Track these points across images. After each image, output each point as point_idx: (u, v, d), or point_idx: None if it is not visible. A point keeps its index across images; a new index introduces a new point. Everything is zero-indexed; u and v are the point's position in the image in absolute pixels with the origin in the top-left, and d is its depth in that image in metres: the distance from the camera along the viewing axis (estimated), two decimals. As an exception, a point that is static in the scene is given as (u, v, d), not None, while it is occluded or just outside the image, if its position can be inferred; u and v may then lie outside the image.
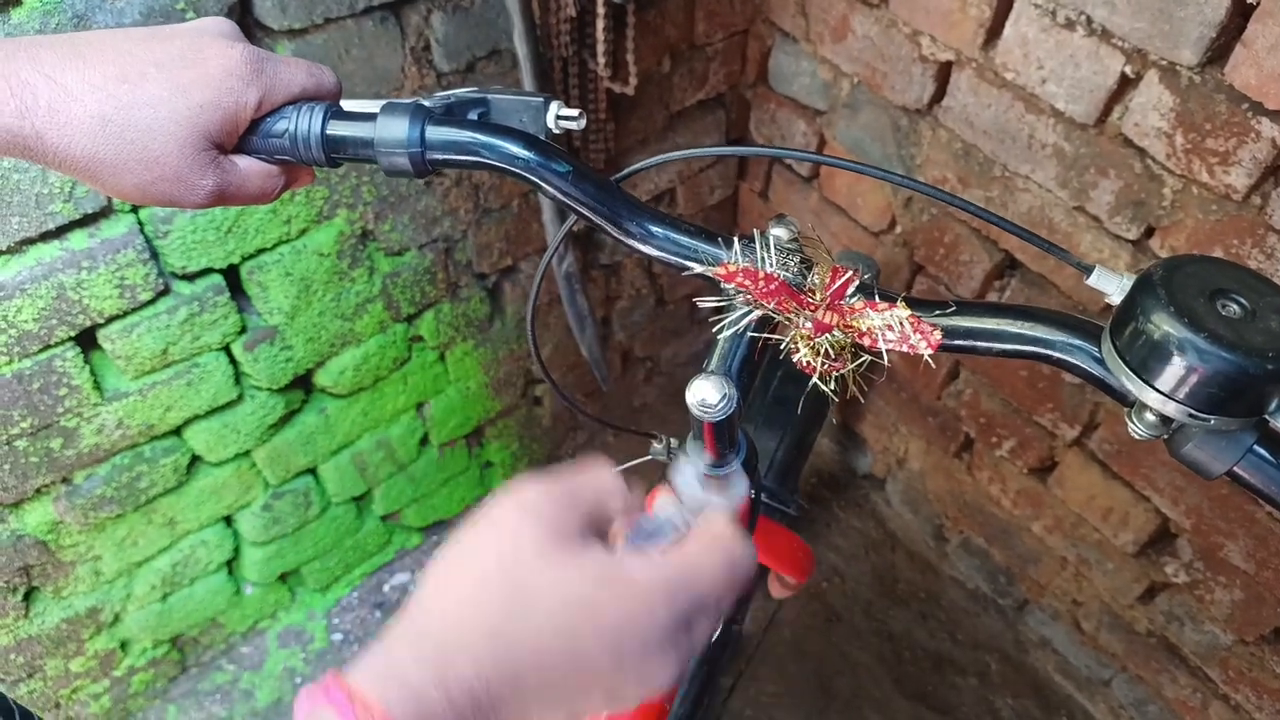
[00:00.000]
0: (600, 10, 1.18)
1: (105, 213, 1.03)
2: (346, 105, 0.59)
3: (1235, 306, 0.43)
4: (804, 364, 0.54)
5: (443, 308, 1.46)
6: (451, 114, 0.60)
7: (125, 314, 1.11)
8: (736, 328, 0.55)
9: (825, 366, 0.54)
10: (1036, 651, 1.68)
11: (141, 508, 1.31)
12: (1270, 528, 1.17)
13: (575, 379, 1.83)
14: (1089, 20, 1.07)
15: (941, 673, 1.67)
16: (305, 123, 0.57)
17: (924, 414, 1.66)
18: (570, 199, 0.58)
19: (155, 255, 1.10)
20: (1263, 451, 0.44)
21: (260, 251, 1.18)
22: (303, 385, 1.39)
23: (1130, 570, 1.41)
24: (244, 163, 0.57)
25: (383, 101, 0.58)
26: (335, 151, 0.58)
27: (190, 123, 0.52)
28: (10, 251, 1.00)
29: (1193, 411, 0.43)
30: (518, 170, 0.57)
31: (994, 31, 1.18)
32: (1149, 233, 1.14)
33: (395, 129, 0.57)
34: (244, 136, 0.57)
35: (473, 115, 0.61)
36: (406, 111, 0.57)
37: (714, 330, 0.56)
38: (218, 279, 1.17)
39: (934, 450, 1.69)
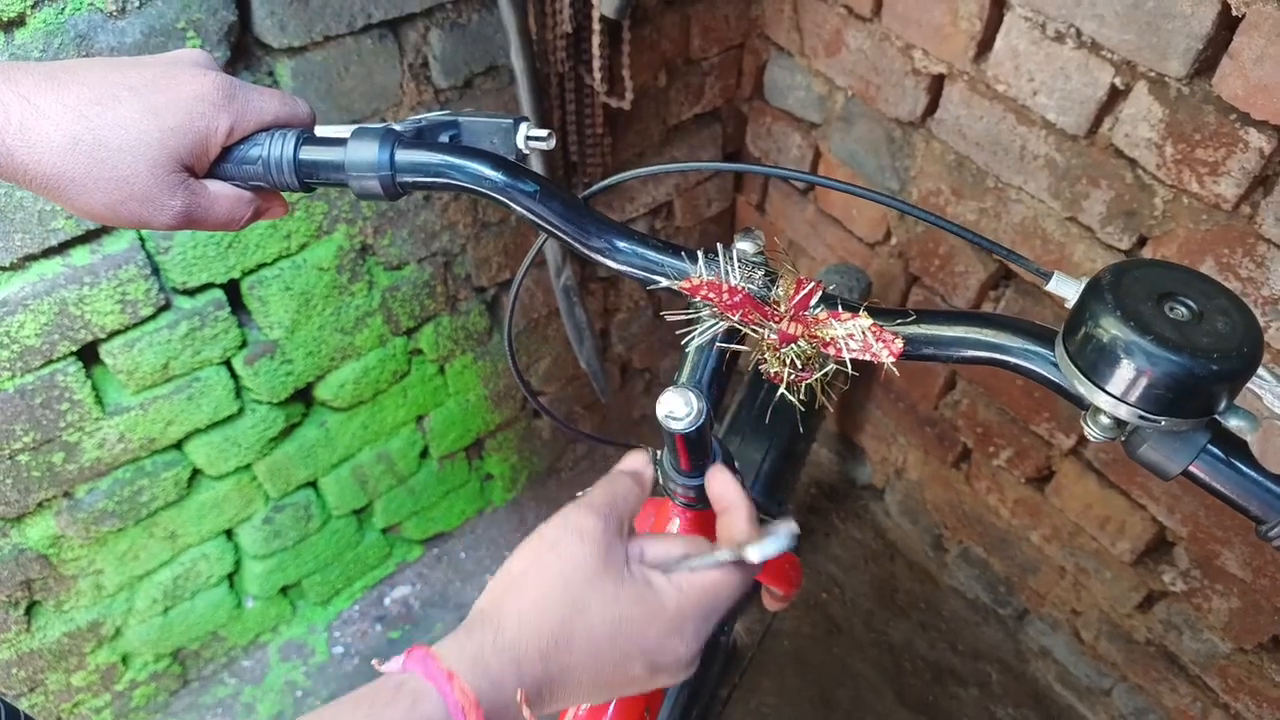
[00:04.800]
0: (596, 26, 1.20)
1: (107, 229, 1.05)
2: (320, 131, 0.61)
3: (1183, 309, 0.44)
4: (771, 374, 0.56)
5: (442, 321, 1.47)
6: (422, 137, 0.61)
7: (127, 329, 1.12)
8: (704, 340, 0.57)
9: (793, 376, 0.55)
10: (1037, 661, 1.68)
11: (143, 521, 1.32)
12: (1266, 535, 1.17)
13: (574, 391, 1.84)
14: (1078, 33, 1.08)
15: (942, 683, 1.66)
16: (278, 148, 0.58)
17: (921, 424, 1.67)
18: (538, 217, 0.59)
19: (156, 271, 1.11)
20: (1216, 451, 0.45)
21: (260, 266, 1.20)
22: (303, 399, 1.40)
23: (1128, 579, 1.42)
24: (215, 187, 0.59)
25: (354, 126, 0.60)
26: (308, 176, 0.60)
27: (160, 144, 0.54)
28: (13, 268, 1.01)
29: (1143, 414, 0.44)
30: (486, 190, 0.59)
31: (985, 44, 1.20)
32: (1141, 242, 1.15)
33: (366, 153, 0.58)
34: (217, 163, 0.58)
35: (444, 138, 0.62)
36: (377, 136, 0.58)
37: (682, 343, 0.57)
38: (218, 294, 1.18)
39: (932, 460, 1.70)
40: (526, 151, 0.62)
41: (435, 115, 0.62)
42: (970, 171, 1.31)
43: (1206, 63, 0.98)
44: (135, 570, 1.37)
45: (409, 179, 0.59)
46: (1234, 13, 0.93)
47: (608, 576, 0.48)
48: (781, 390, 0.56)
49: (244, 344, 1.25)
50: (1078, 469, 1.40)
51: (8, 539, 1.20)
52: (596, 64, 1.24)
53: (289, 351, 1.29)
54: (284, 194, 0.65)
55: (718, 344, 0.57)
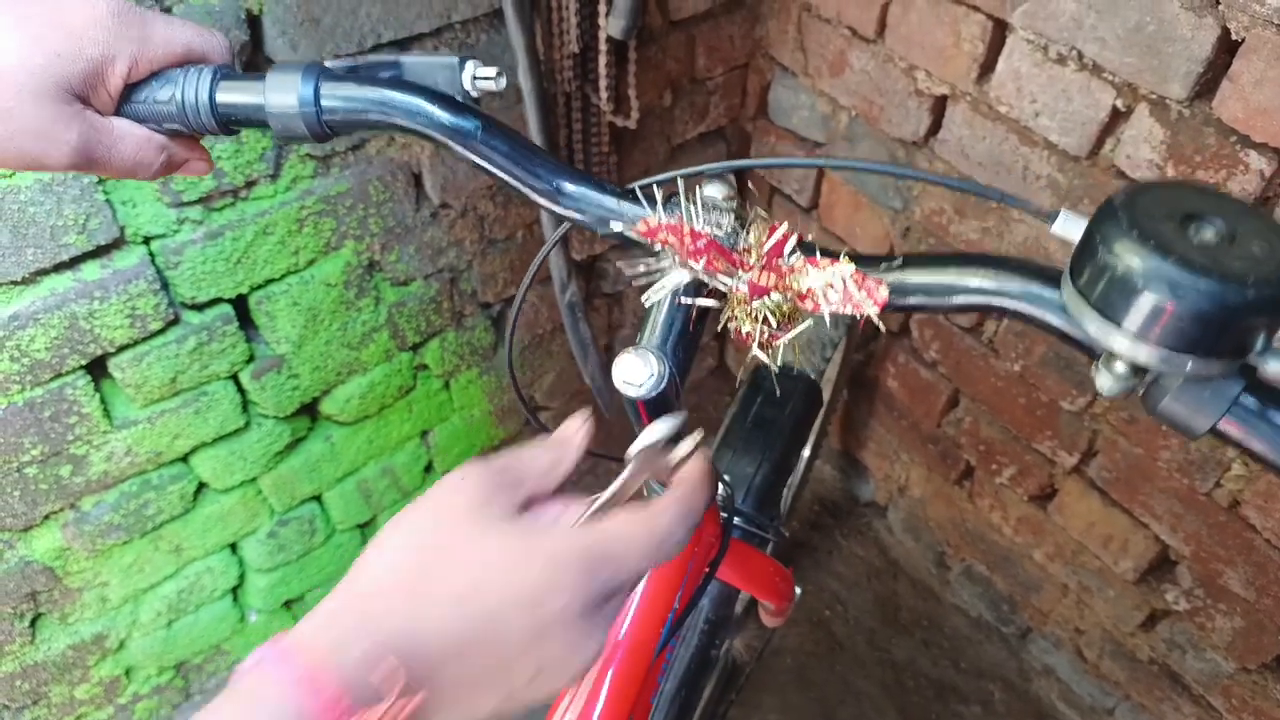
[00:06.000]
0: (602, 46, 1.21)
1: (118, 244, 1.06)
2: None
3: (1211, 231, 0.38)
4: (742, 334, 0.50)
5: (448, 336, 1.48)
6: (357, 75, 0.56)
7: (136, 343, 1.13)
8: (666, 296, 0.51)
9: (766, 335, 0.50)
10: (1040, 680, 1.67)
11: (148, 534, 1.32)
12: (1269, 555, 1.17)
13: (579, 406, 1.84)
14: (1080, 55, 1.09)
15: (945, 701, 1.66)
16: (193, 86, 0.53)
17: (924, 441, 1.67)
18: (482, 158, 0.55)
19: (166, 285, 1.12)
20: (1251, 401, 0.38)
21: (269, 282, 1.21)
22: (309, 413, 1.40)
23: (1131, 597, 1.42)
24: (118, 124, 0.54)
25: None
26: (227, 118, 0.55)
27: (45, 72, 0.49)
28: (25, 282, 1.02)
29: (1166, 353, 0.37)
30: (422, 128, 0.54)
31: (988, 66, 1.21)
32: (1143, 262, 1.16)
33: (287, 88, 0.53)
34: (127, 101, 0.54)
35: (382, 76, 0.57)
36: (299, 70, 0.53)
37: (642, 299, 0.52)
38: (227, 309, 1.19)
39: (935, 478, 1.70)
40: (474, 93, 0.56)
41: (373, 56, 0.57)
42: (973, 191, 1.32)
43: (1207, 85, 0.99)
44: (140, 583, 1.37)
45: (337, 118, 0.54)
46: (1234, 37, 0.94)
47: (484, 518, 0.41)
48: (754, 351, 0.50)
49: (251, 358, 1.26)
50: (1080, 487, 1.40)
51: (14, 551, 1.21)
52: (603, 84, 1.25)
53: (296, 366, 1.30)
54: (205, 146, 0.60)
55: (681, 300, 0.50)
